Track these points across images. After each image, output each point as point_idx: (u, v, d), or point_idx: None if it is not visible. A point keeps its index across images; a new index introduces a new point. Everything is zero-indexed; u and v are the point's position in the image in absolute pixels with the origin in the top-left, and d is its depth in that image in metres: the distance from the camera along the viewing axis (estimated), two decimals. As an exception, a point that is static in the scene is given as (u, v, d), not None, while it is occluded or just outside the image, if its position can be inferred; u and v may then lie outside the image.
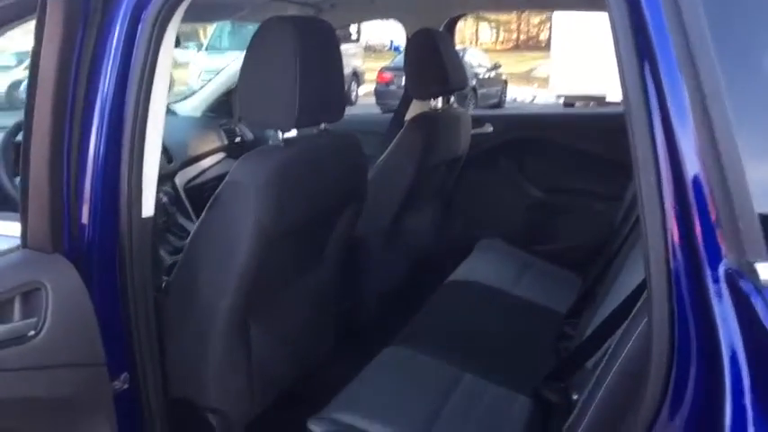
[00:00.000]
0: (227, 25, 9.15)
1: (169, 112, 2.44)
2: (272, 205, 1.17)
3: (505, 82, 11.75)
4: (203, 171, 2.19)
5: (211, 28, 9.89)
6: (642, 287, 0.82)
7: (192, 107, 2.45)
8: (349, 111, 1.57)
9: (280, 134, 1.24)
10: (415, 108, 2.39)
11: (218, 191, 1.20)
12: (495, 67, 11.12)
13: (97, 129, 1.02)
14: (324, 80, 1.25)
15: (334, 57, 1.31)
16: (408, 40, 2.12)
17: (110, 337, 1.05)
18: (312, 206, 1.32)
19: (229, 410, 1.29)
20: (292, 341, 1.43)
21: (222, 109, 2.47)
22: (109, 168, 1.03)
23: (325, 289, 1.55)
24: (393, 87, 9.13)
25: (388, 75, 9.80)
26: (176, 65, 8.25)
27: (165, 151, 1.96)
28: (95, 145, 1.02)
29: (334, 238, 1.49)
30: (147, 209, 1.09)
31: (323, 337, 1.59)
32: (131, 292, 1.08)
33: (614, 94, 7.23)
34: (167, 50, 1.09)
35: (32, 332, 0.90)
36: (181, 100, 2.54)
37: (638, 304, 0.89)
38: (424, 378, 1.36)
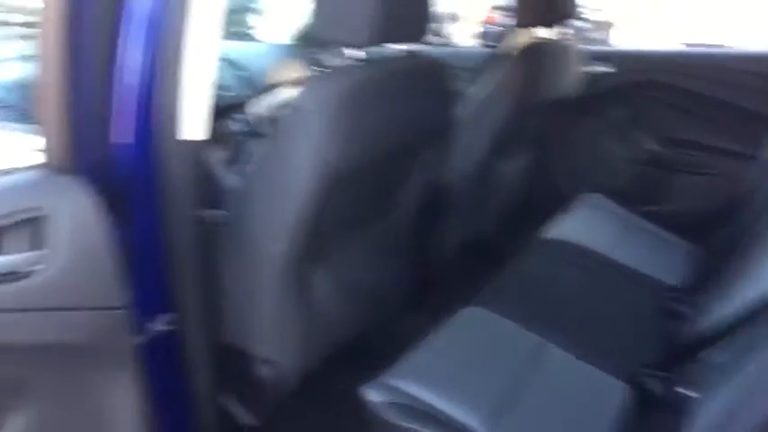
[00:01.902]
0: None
1: (250, 37, 2.33)
2: (339, 137, 1.01)
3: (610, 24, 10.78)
4: (283, 102, 2.06)
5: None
6: None
7: (276, 34, 2.32)
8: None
9: (352, 53, 1.08)
10: (517, 38, 2.13)
11: (280, 118, 1.06)
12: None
13: (132, 37, 0.88)
14: None
15: None
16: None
17: (146, 275, 0.94)
18: (385, 142, 1.15)
19: (282, 362, 1.18)
20: (357, 293, 1.29)
21: (311, 38, 2.31)
22: (146, 82, 0.89)
23: (399, 238, 1.39)
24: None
25: (497, 14, 9.21)
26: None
27: (242, 77, 1.86)
28: (130, 55, 0.89)
29: (412, 181, 1.32)
30: (192, 131, 0.96)
31: (393, 291, 1.44)
32: (172, 224, 0.96)
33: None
34: None
35: (36, 267, 0.79)
36: (268, 28, 2.41)
37: None
38: (503, 347, 1.18)
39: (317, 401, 1.36)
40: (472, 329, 1.22)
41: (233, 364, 1.18)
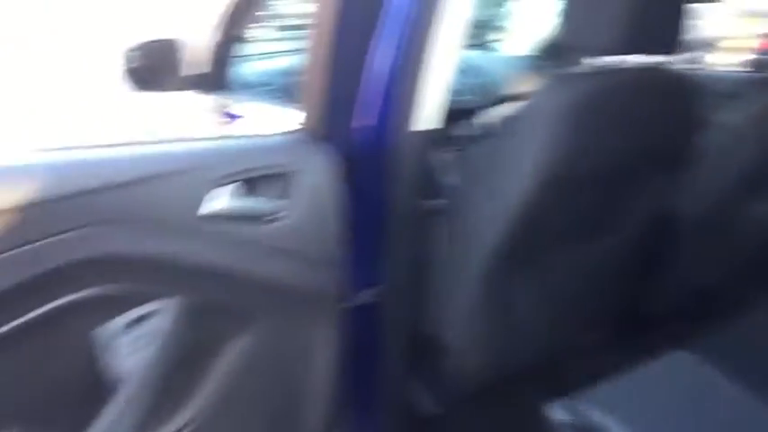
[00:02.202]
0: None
1: (492, 48, 2.38)
2: (565, 144, 0.99)
3: None
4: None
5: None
6: None
7: (517, 46, 2.34)
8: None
9: (593, 61, 1.05)
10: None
11: (509, 118, 1.07)
12: None
13: (386, 35, 0.98)
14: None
15: None
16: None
17: (363, 246, 1.03)
18: (612, 157, 1.10)
19: (473, 359, 1.19)
20: (559, 310, 1.25)
21: (553, 50, 2.29)
22: (393, 74, 0.98)
23: (613, 264, 1.31)
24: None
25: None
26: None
27: (479, 85, 1.91)
28: (381, 50, 0.98)
29: (638, 207, 1.24)
30: (422, 123, 1.02)
31: (596, 316, 1.37)
32: (394, 206, 1.03)
33: None
34: None
35: (279, 213, 0.91)
36: (506, 38, 2.44)
37: None
38: (709, 402, 1.06)
39: (496, 408, 1.34)
40: (681, 375, 1.11)
41: (425, 352, 1.22)
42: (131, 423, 0.83)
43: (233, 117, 1.59)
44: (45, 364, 0.80)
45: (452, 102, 1.59)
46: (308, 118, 0.99)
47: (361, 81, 0.99)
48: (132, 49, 1.70)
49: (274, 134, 1.02)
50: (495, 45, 2.45)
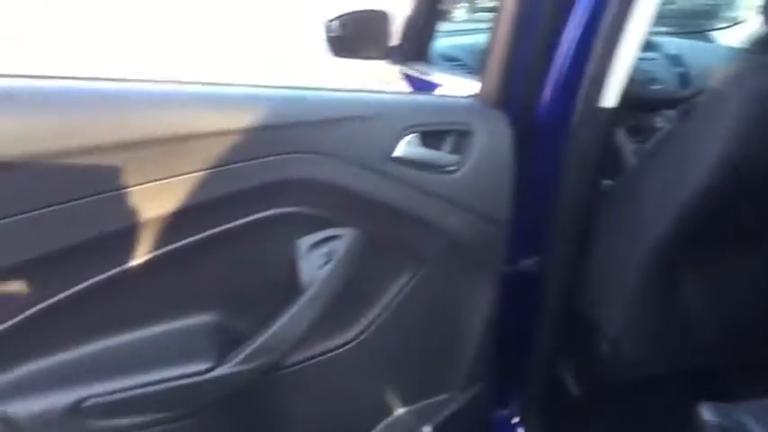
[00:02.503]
0: None
1: (707, 38, 2.21)
2: (752, 133, 0.94)
3: None
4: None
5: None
6: None
7: (734, 37, 2.15)
8: None
9: None
10: None
11: (696, 103, 1.04)
12: None
13: (574, 13, 1.00)
14: None
15: None
16: None
17: (534, 214, 1.07)
18: None
19: (628, 348, 1.18)
20: (724, 313, 1.19)
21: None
22: (577, 52, 1.00)
23: None
24: None
25: None
26: None
27: (684, 76, 1.80)
28: (571, 28, 1.00)
29: None
30: (609, 99, 1.03)
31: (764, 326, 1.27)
32: (568, 180, 1.06)
33: None
34: None
35: (451, 168, 0.99)
36: (728, 27, 2.25)
37: None
38: None
39: (641, 398, 1.32)
40: None
41: (578, 331, 1.24)
42: (308, 325, 0.98)
43: (430, 86, 1.69)
44: (245, 263, 0.98)
45: (653, 91, 1.54)
46: (487, 85, 1.05)
47: (547, 54, 1.02)
48: (335, 19, 1.87)
49: (456, 96, 1.09)
50: (714, 34, 2.27)
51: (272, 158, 0.90)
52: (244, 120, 0.88)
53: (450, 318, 1.13)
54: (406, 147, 0.96)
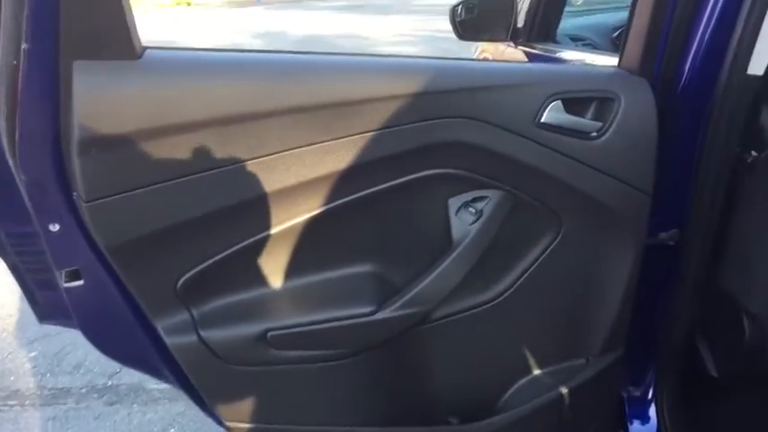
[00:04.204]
0: None
1: None
2: None
3: None
4: None
5: None
6: None
7: None
8: None
9: None
10: None
11: None
12: None
13: None
14: None
15: None
16: None
17: (674, 186, 1.08)
18: None
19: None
20: None
21: None
22: (721, 19, 1.00)
23: None
24: None
25: None
26: None
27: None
28: None
29: None
30: (756, 66, 1.02)
31: None
32: (711, 149, 1.05)
33: None
34: None
35: (595, 133, 1.01)
36: None
37: None
38: None
39: None
40: None
41: (719, 311, 1.23)
42: (457, 280, 1.06)
43: (559, 62, 1.71)
44: (403, 219, 1.06)
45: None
46: (629, 56, 1.07)
47: (689, 23, 1.02)
48: (460, 3, 1.92)
49: (599, 66, 1.10)
50: None
51: (430, 122, 0.97)
52: (406, 87, 0.95)
53: (589, 282, 1.16)
54: (550, 113, 1.00)
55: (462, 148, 1.00)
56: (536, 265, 1.12)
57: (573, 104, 1.02)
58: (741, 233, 1.18)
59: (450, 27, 1.95)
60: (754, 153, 1.16)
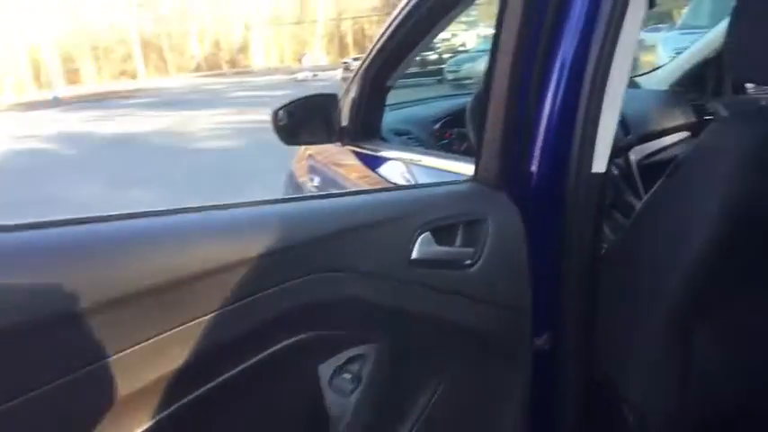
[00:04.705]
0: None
1: (633, 84, 2.32)
2: (750, 181, 0.95)
3: None
4: (662, 149, 1.99)
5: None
6: None
7: (657, 80, 2.26)
8: None
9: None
10: None
11: (681, 156, 1.04)
12: None
13: (554, 90, 0.99)
14: None
15: None
16: None
17: (539, 290, 1.02)
18: None
19: (649, 411, 1.14)
20: (742, 364, 1.17)
21: (693, 83, 2.20)
22: (563, 123, 0.99)
23: None
24: None
25: None
26: (644, 48, 7.93)
27: (623, 123, 1.86)
28: (551, 102, 0.99)
29: None
30: (599, 165, 1.02)
31: None
32: (569, 248, 1.02)
33: None
34: (632, 24, 0.98)
35: (468, 261, 0.93)
36: (647, 72, 2.37)
37: None
38: None
39: None
40: None
41: (600, 396, 1.18)
42: None
43: (382, 161, 1.65)
44: (271, 403, 0.87)
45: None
46: (484, 167, 1.02)
47: (536, 128, 1.00)
48: (281, 108, 1.82)
49: (457, 181, 1.05)
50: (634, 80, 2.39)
51: (286, 284, 0.81)
52: (253, 246, 0.79)
53: (486, 413, 1.06)
54: (421, 247, 0.90)
55: (328, 306, 0.85)
56: (427, 412, 0.99)
57: (441, 232, 0.93)
58: (608, 324, 1.15)
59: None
60: (605, 245, 1.17)
